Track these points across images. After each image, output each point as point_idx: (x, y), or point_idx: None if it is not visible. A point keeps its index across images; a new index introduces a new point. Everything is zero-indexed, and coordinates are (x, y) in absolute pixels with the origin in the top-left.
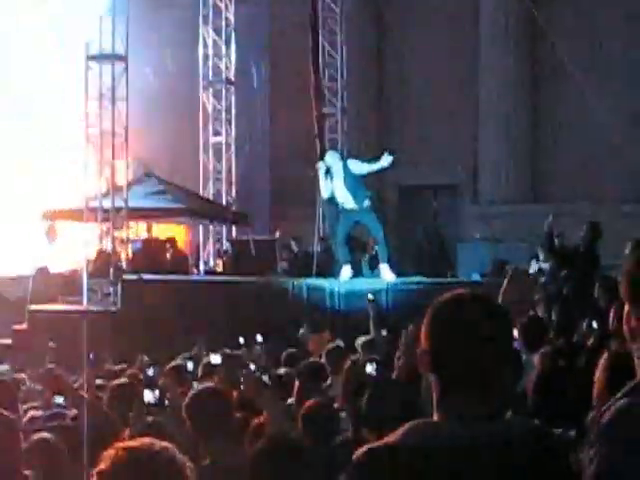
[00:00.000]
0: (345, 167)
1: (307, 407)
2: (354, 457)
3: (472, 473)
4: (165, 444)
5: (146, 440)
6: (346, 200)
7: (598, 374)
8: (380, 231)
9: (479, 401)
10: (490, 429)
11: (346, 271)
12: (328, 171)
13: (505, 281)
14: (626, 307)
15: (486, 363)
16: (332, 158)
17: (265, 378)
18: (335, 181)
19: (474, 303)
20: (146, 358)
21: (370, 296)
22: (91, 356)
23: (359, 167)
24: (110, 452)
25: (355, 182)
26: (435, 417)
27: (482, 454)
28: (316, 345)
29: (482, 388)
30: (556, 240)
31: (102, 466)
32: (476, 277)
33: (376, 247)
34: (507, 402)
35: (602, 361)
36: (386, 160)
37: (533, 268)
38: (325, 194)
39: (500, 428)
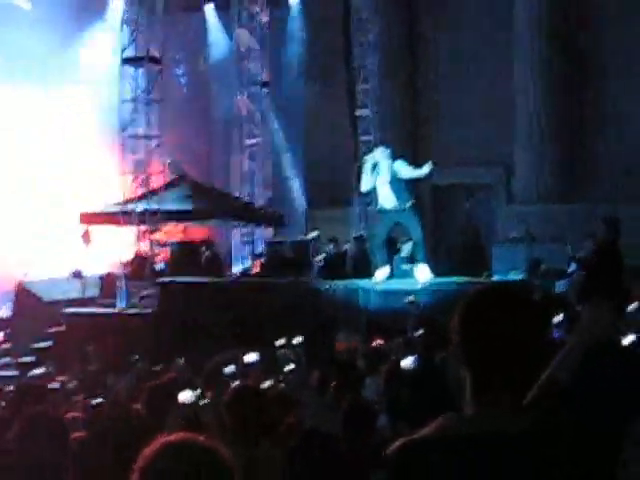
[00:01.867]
0: (392, 167)
1: (347, 405)
2: (388, 451)
3: (502, 465)
4: (206, 438)
5: (186, 434)
6: (387, 200)
7: None
8: (420, 233)
9: (511, 393)
10: (521, 422)
11: (382, 272)
12: (374, 166)
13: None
14: None
15: (517, 355)
16: (382, 155)
17: (304, 377)
18: (380, 178)
19: (504, 295)
20: (183, 360)
21: (411, 298)
22: (135, 357)
23: (403, 170)
24: (150, 447)
25: (400, 183)
26: (468, 410)
27: (512, 447)
28: (341, 347)
29: (514, 381)
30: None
31: (142, 462)
32: (515, 276)
33: (408, 246)
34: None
35: None
36: (427, 168)
37: (572, 269)
38: (365, 187)
39: (531, 421)
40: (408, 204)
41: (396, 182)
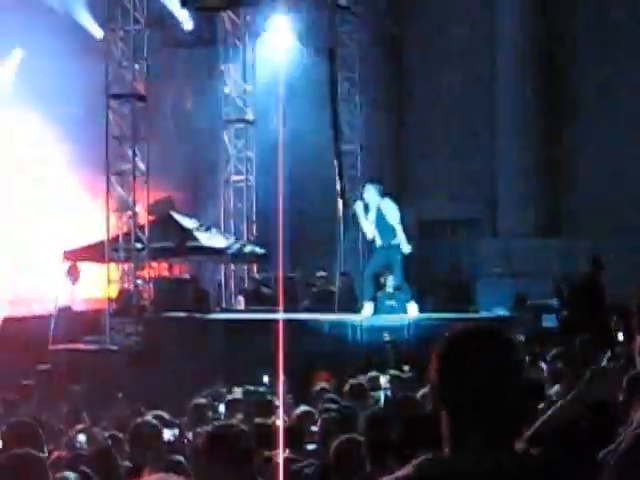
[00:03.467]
0: (380, 204)
1: (338, 443)
2: None
3: None
4: (184, 478)
5: (162, 475)
6: (376, 237)
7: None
8: (400, 276)
9: (487, 434)
10: (498, 462)
11: (368, 308)
12: (366, 208)
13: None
14: (638, 339)
15: (493, 395)
16: (370, 193)
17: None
18: (370, 215)
19: (479, 335)
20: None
21: (386, 336)
22: (120, 395)
23: (390, 215)
24: None
25: (385, 220)
26: (446, 451)
27: None
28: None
29: (490, 421)
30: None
31: None
32: (501, 311)
33: (392, 281)
34: (517, 433)
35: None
36: (407, 249)
37: (556, 304)
38: (370, 234)
39: (509, 460)
40: (394, 241)
41: (382, 219)
